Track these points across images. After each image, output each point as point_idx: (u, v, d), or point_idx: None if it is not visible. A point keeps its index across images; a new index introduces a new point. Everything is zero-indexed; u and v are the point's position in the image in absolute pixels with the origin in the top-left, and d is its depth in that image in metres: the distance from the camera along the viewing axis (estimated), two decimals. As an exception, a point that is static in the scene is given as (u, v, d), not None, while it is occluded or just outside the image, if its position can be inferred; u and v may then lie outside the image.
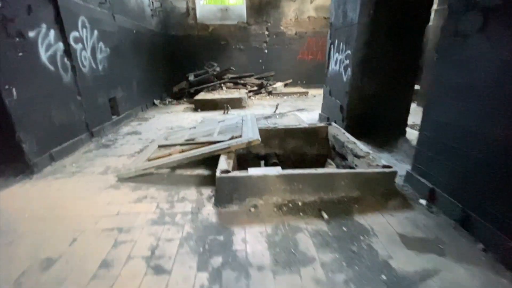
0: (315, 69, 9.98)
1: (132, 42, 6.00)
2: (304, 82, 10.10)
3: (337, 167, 3.42)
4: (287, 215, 2.23)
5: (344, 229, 2.04)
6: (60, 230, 2.08)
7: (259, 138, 2.87)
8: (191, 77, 8.38)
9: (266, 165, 3.70)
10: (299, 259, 1.76)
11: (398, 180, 2.65)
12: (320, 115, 5.14)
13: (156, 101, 7.46)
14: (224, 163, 2.56)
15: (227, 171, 2.37)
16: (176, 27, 9.19)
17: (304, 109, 6.47)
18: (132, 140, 4.33)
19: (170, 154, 3.21)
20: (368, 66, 3.68)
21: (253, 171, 2.39)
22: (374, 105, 3.89)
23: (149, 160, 3.21)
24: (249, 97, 8.02)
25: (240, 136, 3.16)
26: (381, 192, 2.44)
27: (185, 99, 8.09)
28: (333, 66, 4.46)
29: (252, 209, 2.29)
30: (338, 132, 3.57)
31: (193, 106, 6.89)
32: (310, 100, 7.80)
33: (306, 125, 3.91)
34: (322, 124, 3.92)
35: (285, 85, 9.42)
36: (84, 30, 4.21)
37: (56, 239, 1.98)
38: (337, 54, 4.27)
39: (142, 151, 3.63)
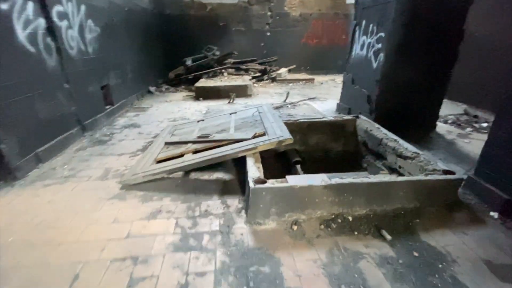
0: (320, 54, 9.43)
1: (124, 21, 5.29)
2: (308, 68, 9.56)
3: (373, 168, 3.03)
4: (339, 234, 1.83)
5: (415, 254, 1.66)
6: (56, 262, 1.62)
7: (291, 137, 2.42)
8: (189, 62, 7.70)
9: (288, 163, 3.27)
10: (374, 301, 1.38)
11: (456, 186, 2.28)
12: (338, 105, 4.70)
13: (152, 89, 6.81)
14: (254, 169, 2.12)
15: (262, 181, 1.93)
16: (171, 5, 8.36)
17: (315, 97, 6.01)
18: (132, 134, 3.80)
19: (182, 155, 2.73)
20: (406, 51, 3.23)
21: (294, 180, 1.95)
22: (408, 96, 3.47)
23: (157, 161, 2.72)
24: (253, 84, 7.46)
25: (264, 134, 2.70)
26: (443, 202, 2.07)
27: (183, 86, 7.45)
28: (358, 51, 3.98)
29: (295, 227, 1.88)
30: (370, 126, 3.16)
31: (193, 94, 6.31)
32: (318, 88, 7.33)
33: (332, 118, 3.47)
34: (349, 117, 3.49)
35: (289, 71, 8.87)
36: (70, 4, 3.53)
37: (52, 277, 1.52)
38: (364, 37, 3.79)
39: (147, 150, 3.12)
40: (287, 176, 2.02)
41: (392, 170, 2.69)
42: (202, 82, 6.62)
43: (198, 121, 3.78)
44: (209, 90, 6.10)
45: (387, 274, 1.53)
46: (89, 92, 3.93)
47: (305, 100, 5.72)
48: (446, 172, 2.09)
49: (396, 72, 3.36)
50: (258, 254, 1.67)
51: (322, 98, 5.94)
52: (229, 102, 5.66)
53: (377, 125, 3.11)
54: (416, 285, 1.46)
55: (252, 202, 1.91)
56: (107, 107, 4.51)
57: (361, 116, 3.45)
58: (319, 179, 1.95)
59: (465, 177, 2.04)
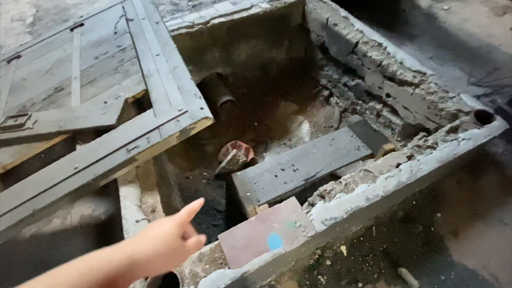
0: None
1: None
2: None
3: (341, 97, 1.97)
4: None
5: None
6: None
7: (210, 115, 1.06)
8: None
9: (212, 106, 2.00)
10: None
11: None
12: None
13: None
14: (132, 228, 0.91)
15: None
16: None
17: None
18: None
19: None
20: None
21: (236, 239, 0.87)
22: None
23: None
24: None
25: (145, 95, 1.25)
26: (466, 167, 1.31)
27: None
28: None
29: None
30: (333, 15, 1.83)
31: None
32: None
33: (265, 6, 1.95)
34: (292, -2, 2.00)
35: None
36: None
37: None
38: None
39: None
40: (220, 237, 0.90)
41: (373, 103, 1.70)
42: None
43: (9, 60, 1.84)
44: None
45: None
46: None
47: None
48: (479, 115, 1.21)
49: None
50: None
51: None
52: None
53: (344, 13, 1.79)
54: None
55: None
56: None
57: (313, -7, 1.99)
58: (288, 224, 0.90)
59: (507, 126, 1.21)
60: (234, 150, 1.98)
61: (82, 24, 1.89)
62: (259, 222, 0.93)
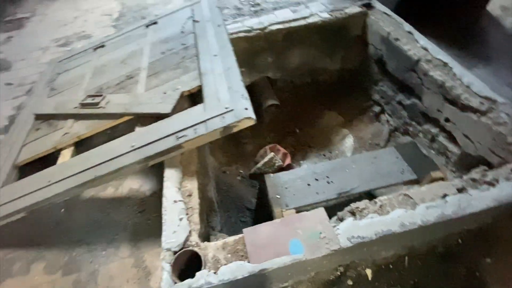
0: None
1: None
2: None
3: (392, 116, 1.86)
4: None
5: None
6: None
7: (253, 116, 1.13)
8: None
9: (257, 108, 2.06)
10: None
11: None
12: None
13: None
14: (174, 212, 1.00)
15: (189, 257, 0.89)
16: None
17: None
18: (-6, 89, 2.26)
19: (57, 149, 1.48)
20: None
21: (260, 233, 0.90)
22: None
23: (16, 166, 1.50)
24: None
25: (199, 90, 1.36)
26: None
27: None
28: None
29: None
30: (395, 30, 1.75)
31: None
32: None
33: (325, 16, 1.95)
34: (354, 10, 1.97)
35: None
36: None
37: None
38: None
39: (9, 132, 1.78)
40: (244, 231, 0.94)
41: (430, 129, 1.57)
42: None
43: (95, 48, 2.18)
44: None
45: None
46: None
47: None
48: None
49: None
50: None
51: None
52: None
53: (408, 27, 1.70)
54: None
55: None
56: None
57: (378, 5, 1.93)
58: (311, 233, 0.90)
59: None
60: (272, 153, 2.01)
61: (155, 22, 2.13)
62: (283, 226, 0.94)
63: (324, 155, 2.11)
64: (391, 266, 1.08)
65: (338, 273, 1.07)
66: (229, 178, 1.93)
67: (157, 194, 1.39)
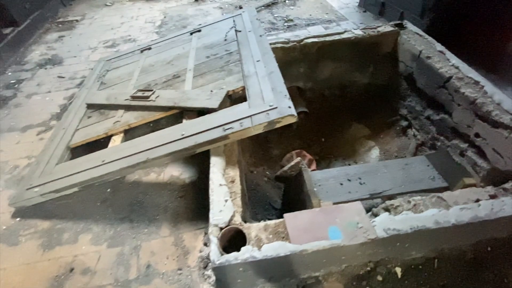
0: None
1: None
2: None
3: (419, 131, 1.92)
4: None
5: None
6: None
7: (295, 113, 1.24)
8: None
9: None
10: None
11: None
12: (363, -4, 3.02)
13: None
14: (220, 193, 1.10)
15: (234, 234, 0.97)
16: None
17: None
18: (47, 81, 2.50)
19: (108, 135, 1.63)
20: None
21: (300, 223, 0.98)
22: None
23: (69, 147, 1.66)
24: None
25: (243, 90, 1.49)
26: None
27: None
28: None
29: (301, 299, 1.07)
30: (427, 48, 1.84)
31: (145, -13, 4.28)
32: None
33: (358, 33, 2.08)
34: (387, 29, 2.08)
35: None
36: None
37: None
38: None
39: (62, 118, 1.97)
40: (285, 216, 1.02)
41: (459, 144, 1.62)
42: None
43: (142, 50, 2.39)
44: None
45: None
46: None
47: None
48: None
49: None
50: None
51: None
52: (196, 0, 3.82)
53: (440, 47, 1.79)
54: None
55: (221, 285, 1.01)
56: (7, 30, 2.93)
57: (409, 26, 2.04)
58: (349, 223, 0.97)
59: None
60: (298, 158, 2.09)
61: (199, 30, 2.33)
62: (322, 214, 1.02)
63: (349, 165, 2.16)
64: (420, 267, 1.12)
65: (368, 268, 1.11)
66: (256, 178, 2.02)
67: (196, 183, 1.50)
